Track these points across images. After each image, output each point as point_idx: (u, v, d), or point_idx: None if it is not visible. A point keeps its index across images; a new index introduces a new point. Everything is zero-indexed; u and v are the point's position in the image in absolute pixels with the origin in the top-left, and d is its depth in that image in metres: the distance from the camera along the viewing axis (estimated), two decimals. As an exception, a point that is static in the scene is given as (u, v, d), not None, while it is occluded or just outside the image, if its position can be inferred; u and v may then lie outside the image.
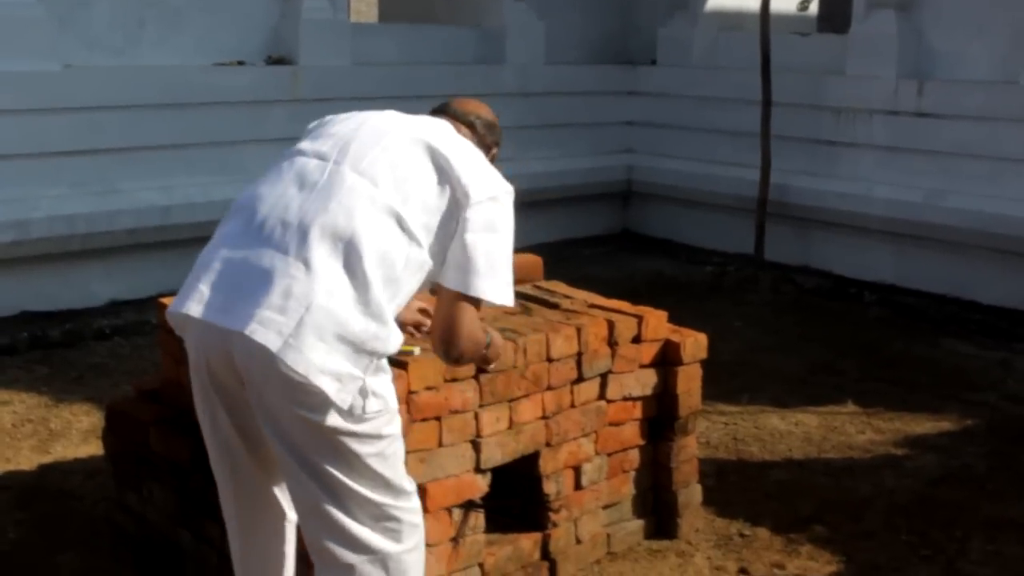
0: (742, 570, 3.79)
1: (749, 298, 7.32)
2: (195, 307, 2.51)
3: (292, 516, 2.79)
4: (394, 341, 2.54)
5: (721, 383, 5.35)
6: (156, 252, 6.57)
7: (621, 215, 9.22)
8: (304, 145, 2.73)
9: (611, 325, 3.71)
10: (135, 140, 6.64)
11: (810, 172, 7.81)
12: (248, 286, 2.47)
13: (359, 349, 2.46)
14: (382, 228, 2.54)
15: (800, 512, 4.21)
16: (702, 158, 8.49)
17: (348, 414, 2.48)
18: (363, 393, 2.49)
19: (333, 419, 2.47)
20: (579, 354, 3.62)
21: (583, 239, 8.70)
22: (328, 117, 2.84)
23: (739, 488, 4.41)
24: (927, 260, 7.19)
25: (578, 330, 3.61)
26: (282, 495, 2.78)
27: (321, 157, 2.65)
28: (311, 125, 2.84)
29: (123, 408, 3.91)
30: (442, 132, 2.77)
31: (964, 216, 6.90)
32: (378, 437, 2.55)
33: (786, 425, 5.09)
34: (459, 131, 2.87)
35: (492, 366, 3.17)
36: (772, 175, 7.67)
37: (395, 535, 2.61)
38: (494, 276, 2.66)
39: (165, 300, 3.83)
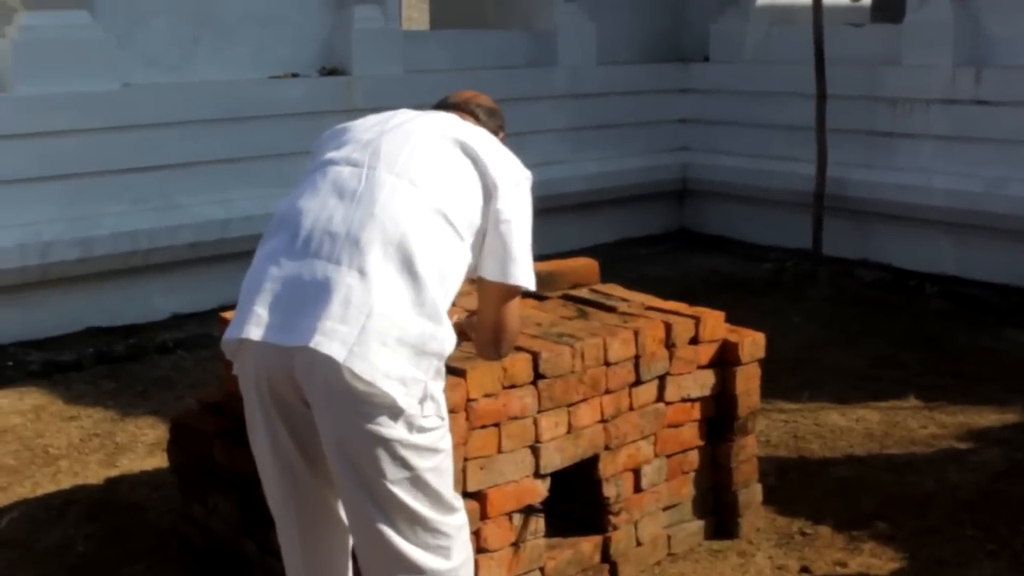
0: (804, 568, 3.78)
1: (808, 294, 7.26)
2: (255, 331, 2.52)
3: None
4: (451, 340, 2.58)
5: (781, 380, 5.32)
6: (216, 265, 6.67)
7: (677, 214, 9.20)
8: (332, 154, 2.73)
9: (668, 327, 3.71)
10: (193, 155, 6.74)
11: (867, 164, 7.74)
12: (306, 301, 2.49)
13: (420, 352, 2.49)
14: (430, 227, 2.58)
15: (862, 509, 4.18)
16: (757, 154, 8.45)
17: (410, 424, 2.51)
18: (423, 398, 2.52)
19: (396, 431, 2.49)
20: (636, 357, 3.63)
21: (639, 239, 8.69)
22: (341, 125, 2.85)
23: (800, 486, 4.39)
24: (989, 250, 7.10)
25: (635, 333, 3.62)
26: (343, 510, 2.81)
27: (354, 164, 2.67)
28: (325, 134, 2.85)
29: (187, 421, 3.97)
30: (461, 125, 2.81)
31: (1026, 205, 6.81)
32: (435, 451, 2.58)
33: (847, 421, 5.05)
34: (465, 121, 2.89)
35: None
36: (829, 168, 7.61)
37: (445, 552, 2.62)
38: (526, 262, 2.74)
39: (226, 315, 3.88)
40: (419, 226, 2.56)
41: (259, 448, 2.73)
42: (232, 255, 6.60)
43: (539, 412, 3.38)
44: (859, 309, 6.91)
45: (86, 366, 5.99)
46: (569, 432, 3.47)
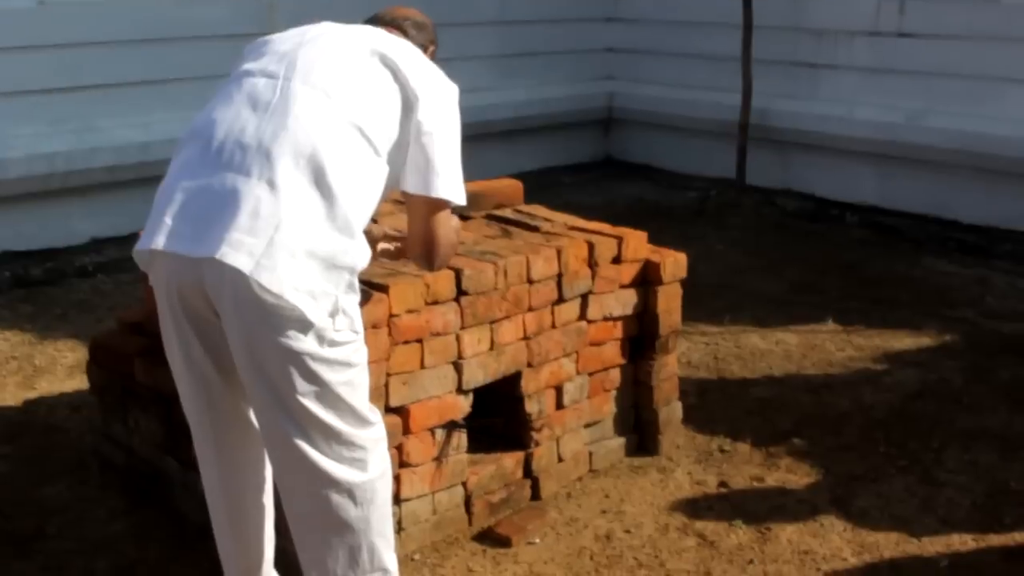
0: (722, 483, 3.86)
1: (731, 221, 7.34)
2: (162, 240, 2.49)
3: None
4: (364, 255, 2.56)
5: (703, 304, 5.40)
6: (136, 189, 6.51)
7: (603, 142, 9.20)
8: (249, 66, 2.70)
9: (591, 246, 3.74)
10: (112, 77, 6.58)
11: (791, 95, 7.79)
12: (214, 212, 2.46)
13: (330, 265, 2.47)
14: (343, 140, 2.55)
15: (780, 427, 4.27)
16: (683, 83, 8.46)
17: (320, 338, 2.49)
18: (334, 311, 2.50)
19: (306, 343, 2.48)
20: (559, 275, 3.65)
21: (565, 167, 8.68)
22: (264, 38, 2.81)
23: (720, 405, 4.47)
24: (908, 180, 7.20)
25: (558, 251, 3.64)
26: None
27: (269, 75, 2.63)
28: (247, 47, 2.81)
29: (107, 341, 3.93)
30: (383, 36, 2.78)
31: (945, 136, 6.90)
32: (348, 365, 2.56)
33: (767, 344, 5.13)
34: (390, 35, 2.86)
35: None
36: (753, 99, 7.64)
37: (360, 464, 2.62)
38: (450, 175, 2.71)
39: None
40: (332, 139, 2.53)
41: (173, 360, 2.71)
42: (152, 179, 6.27)
43: (462, 328, 3.39)
44: (781, 237, 7.00)
45: (2, 290, 5.89)
46: (492, 349, 3.49)
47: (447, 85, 2.78)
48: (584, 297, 3.74)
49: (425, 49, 2.94)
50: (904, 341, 5.17)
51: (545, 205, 4.25)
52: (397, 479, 3.32)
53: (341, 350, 2.54)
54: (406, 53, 2.75)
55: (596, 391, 3.87)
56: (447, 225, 2.80)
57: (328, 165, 2.50)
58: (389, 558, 2.75)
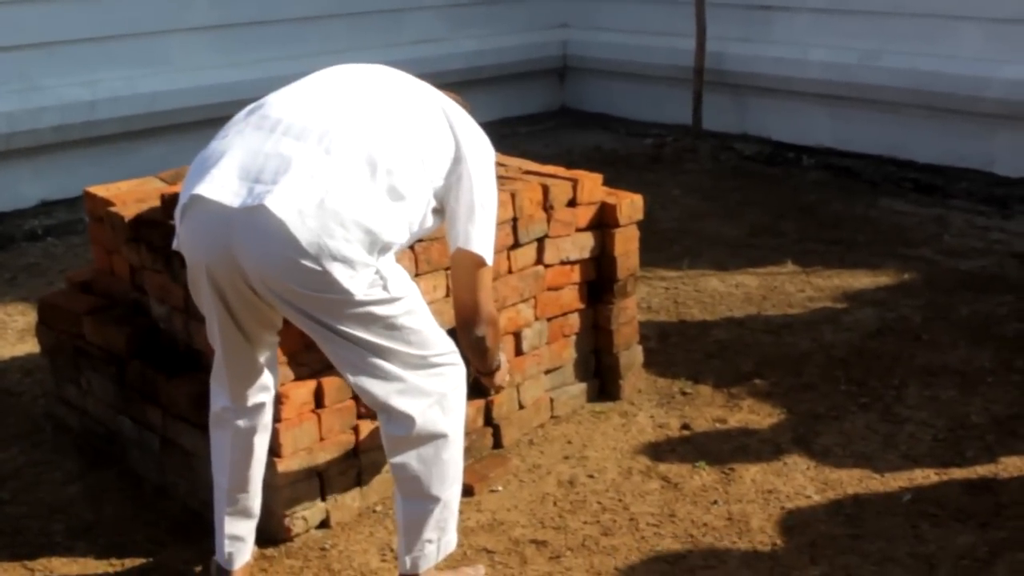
0: (684, 426, 3.84)
1: (688, 167, 7.29)
2: (205, 187, 2.50)
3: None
4: (405, 234, 2.62)
5: (662, 249, 5.39)
6: (84, 149, 6.42)
7: (558, 92, 9.10)
8: (320, 71, 2.81)
9: (546, 189, 3.69)
10: (55, 34, 6.40)
11: (745, 38, 7.72)
12: (268, 169, 2.49)
13: (375, 239, 2.50)
14: (401, 148, 2.61)
15: (741, 369, 4.26)
16: (637, 29, 8.37)
17: (368, 292, 2.54)
18: (373, 282, 2.54)
19: (357, 296, 2.53)
20: (514, 219, 3.60)
21: (520, 117, 8.58)
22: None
23: (680, 349, 4.45)
24: (863, 121, 7.18)
25: (512, 195, 3.59)
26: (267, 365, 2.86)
27: (336, 81, 2.75)
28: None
29: (55, 300, 3.86)
30: (441, 95, 2.88)
31: (899, 75, 6.87)
32: (400, 297, 2.61)
33: (726, 287, 5.11)
34: None
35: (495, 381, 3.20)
36: (708, 43, 7.58)
37: (442, 377, 2.70)
38: (488, 235, 2.78)
39: (92, 189, 3.76)
40: (392, 138, 2.60)
41: (202, 307, 2.77)
42: (100, 138, 6.38)
43: (416, 275, 3.33)
44: (738, 181, 6.96)
45: (-50, 256, 5.78)
46: (447, 295, 3.44)
47: (489, 149, 2.88)
48: (540, 241, 3.70)
49: None
50: (863, 281, 5.16)
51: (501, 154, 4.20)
52: (355, 429, 3.29)
53: (389, 291, 2.58)
54: (459, 110, 2.86)
55: (555, 337, 3.84)
56: (487, 288, 2.85)
57: (384, 154, 2.56)
58: (461, 467, 2.84)
